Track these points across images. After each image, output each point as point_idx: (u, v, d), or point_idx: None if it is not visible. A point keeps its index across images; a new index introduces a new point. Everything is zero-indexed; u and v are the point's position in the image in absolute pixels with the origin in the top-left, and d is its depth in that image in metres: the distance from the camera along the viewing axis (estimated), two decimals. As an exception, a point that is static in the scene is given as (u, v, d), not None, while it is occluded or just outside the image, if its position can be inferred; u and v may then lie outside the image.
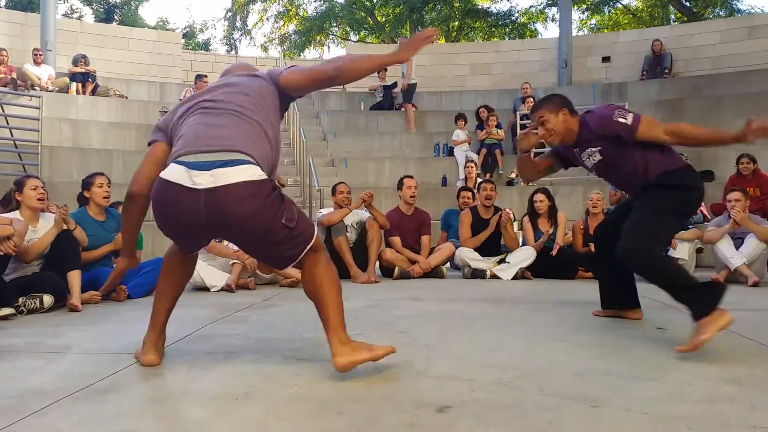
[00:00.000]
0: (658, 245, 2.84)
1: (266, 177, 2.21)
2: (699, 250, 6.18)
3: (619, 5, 23.61)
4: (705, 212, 7.62)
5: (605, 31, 22.93)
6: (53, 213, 4.21)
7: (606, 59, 14.65)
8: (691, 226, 6.01)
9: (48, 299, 3.76)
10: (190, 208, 2.14)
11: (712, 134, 2.94)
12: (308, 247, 2.25)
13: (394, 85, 13.44)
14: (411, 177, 6.44)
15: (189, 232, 2.29)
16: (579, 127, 3.09)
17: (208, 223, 2.17)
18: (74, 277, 3.98)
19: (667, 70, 13.28)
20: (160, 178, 2.22)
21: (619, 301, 3.41)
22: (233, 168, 2.14)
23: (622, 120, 2.91)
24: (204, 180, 2.12)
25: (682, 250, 5.61)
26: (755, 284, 5.13)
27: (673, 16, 22.55)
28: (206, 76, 11.82)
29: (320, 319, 2.24)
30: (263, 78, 2.49)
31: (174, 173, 2.18)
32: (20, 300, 3.64)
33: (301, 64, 2.39)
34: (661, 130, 2.90)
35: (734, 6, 21.34)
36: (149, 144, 2.49)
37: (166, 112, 11.57)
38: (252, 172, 2.17)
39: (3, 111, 9.36)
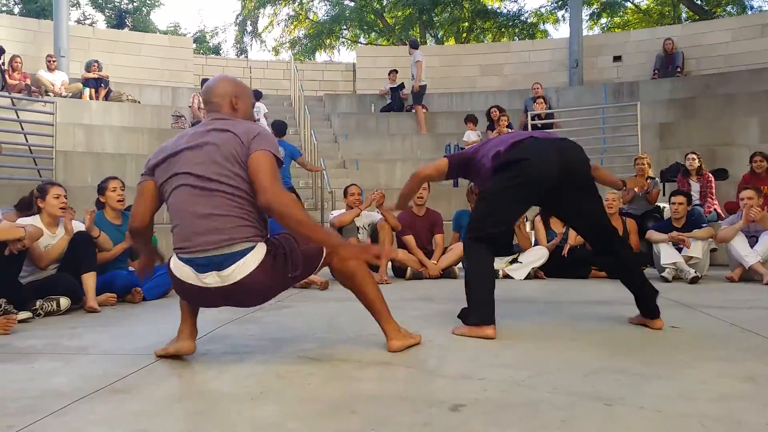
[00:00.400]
0: (481, 228, 3.01)
1: (266, 248, 2.30)
2: (713, 250, 6.11)
3: (630, 4, 23.50)
4: (719, 210, 7.56)
5: (616, 30, 22.82)
6: (77, 220, 4.27)
7: (617, 58, 14.56)
8: (704, 225, 5.96)
9: (65, 302, 3.81)
10: (206, 298, 2.37)
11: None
12: (320, 262, 2.42)
13: (402, 86, 13.46)
14: (422, 178, 6.43)
15: (208, 305, 2.54)
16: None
17: (227, 302, 2.42)
18: (89, 279, 4.01)
19: (679, 69, 13.18)
20: (170, 270, 2.37)
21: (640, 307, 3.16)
22: (237, 264, 2.25)
23: None
24: (213, 281, 2.28)
25: (695, 249, 5.55)
26: (770, 282, 5.09)
27: (684, 15, 22.42)
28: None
29: (368, 311, 2.55)
30: (240, 139, 2.29)
31: (183, 271, 2.32)
32: (37, 303, 3.69)
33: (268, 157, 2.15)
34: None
35: (746, 3, 21.20)
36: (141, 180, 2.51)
37: (179, 116, 11.73)
38: (255, 257, 2.27)
39: (18, 117, 9.44)
